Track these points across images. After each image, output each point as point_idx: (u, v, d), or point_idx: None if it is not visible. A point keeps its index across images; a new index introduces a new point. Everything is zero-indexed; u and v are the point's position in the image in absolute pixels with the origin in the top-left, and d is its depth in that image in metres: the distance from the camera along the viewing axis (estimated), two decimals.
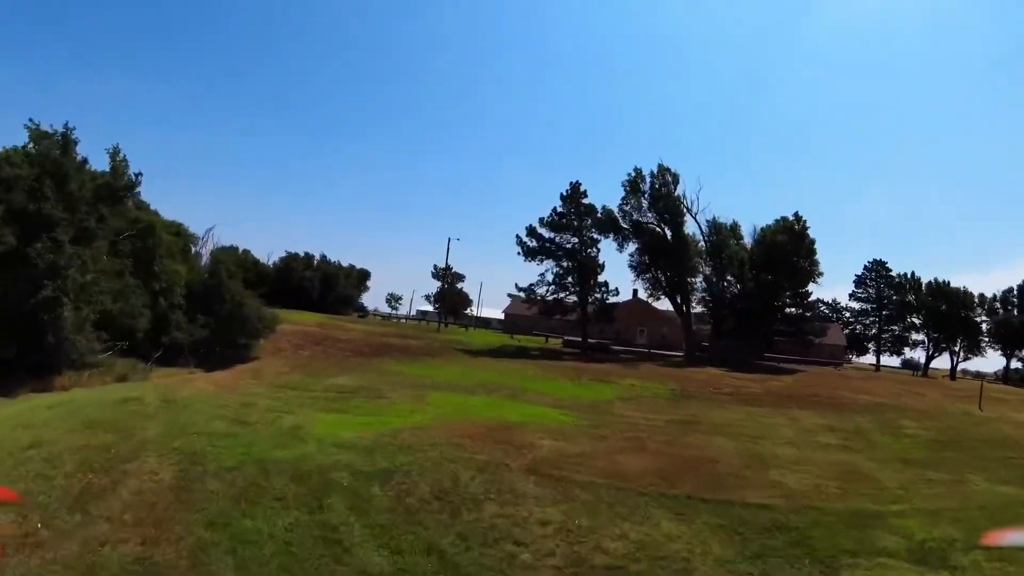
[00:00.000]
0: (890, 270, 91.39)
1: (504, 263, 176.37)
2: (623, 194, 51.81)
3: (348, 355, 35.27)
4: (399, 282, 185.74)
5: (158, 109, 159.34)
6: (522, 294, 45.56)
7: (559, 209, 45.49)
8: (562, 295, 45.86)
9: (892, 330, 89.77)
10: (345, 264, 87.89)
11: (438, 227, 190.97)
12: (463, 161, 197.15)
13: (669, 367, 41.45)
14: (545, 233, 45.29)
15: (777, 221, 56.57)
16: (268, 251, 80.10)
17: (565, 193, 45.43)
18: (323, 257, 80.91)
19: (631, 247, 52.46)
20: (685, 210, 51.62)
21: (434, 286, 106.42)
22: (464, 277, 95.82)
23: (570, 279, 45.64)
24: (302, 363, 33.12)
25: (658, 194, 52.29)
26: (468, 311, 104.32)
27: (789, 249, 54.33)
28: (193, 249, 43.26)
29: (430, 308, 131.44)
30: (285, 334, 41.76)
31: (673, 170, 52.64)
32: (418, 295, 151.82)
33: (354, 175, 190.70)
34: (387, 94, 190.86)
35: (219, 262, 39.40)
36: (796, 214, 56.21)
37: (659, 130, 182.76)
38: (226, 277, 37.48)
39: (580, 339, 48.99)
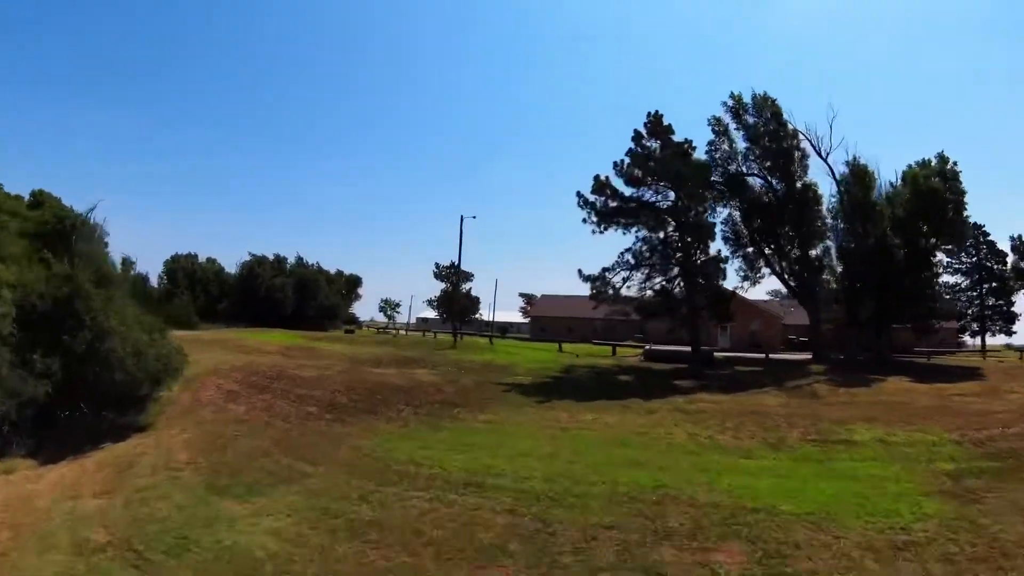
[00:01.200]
0: (988, 233, 75.73)
1: (507, 261, 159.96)
2: (710, 138, 35.56)
3: (311, 414, 18.85)
4: (396, 288, 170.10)
5: (126, 130, 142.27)
6: (587, 285, 29.22)
7: (638, 150, 29.11)
8: (657, 281, 29.28)
9: (1000, 305, 74.12)
10: (329, 269, 71.56)
11: (433, 223, 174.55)
12: (452, 154, 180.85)
13: (868, 385, 25.59)
14: (624, 187, 28.97)
15: (921, 163, 40.45)
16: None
17: (644, 128, 29.08)
18: (299, 260, 64.44)
19: (720, 212, 36.07)
20: (812, 150, 35.41)
21: (435, 289, 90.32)
22: (472, 276, 79.33)
23: (663, 256, 28.92)
24: (221, 439, 17.12)
25: (765, 132, 36.11)
26: (478, 315, 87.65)
27: (946, 200, 38.32)
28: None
29: (432, 314, 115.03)
30: (220, 372, 25.78)
31: (775, 100, 36.56)
32: (418, 300, 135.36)
33: (334, 179, 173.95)
34: (362, 91, 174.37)
35: (84, 259, 22.73)
36: (941, 154, 40.21)
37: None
38: (87, 286, 20.80)
39: (684, 348, 32.06)
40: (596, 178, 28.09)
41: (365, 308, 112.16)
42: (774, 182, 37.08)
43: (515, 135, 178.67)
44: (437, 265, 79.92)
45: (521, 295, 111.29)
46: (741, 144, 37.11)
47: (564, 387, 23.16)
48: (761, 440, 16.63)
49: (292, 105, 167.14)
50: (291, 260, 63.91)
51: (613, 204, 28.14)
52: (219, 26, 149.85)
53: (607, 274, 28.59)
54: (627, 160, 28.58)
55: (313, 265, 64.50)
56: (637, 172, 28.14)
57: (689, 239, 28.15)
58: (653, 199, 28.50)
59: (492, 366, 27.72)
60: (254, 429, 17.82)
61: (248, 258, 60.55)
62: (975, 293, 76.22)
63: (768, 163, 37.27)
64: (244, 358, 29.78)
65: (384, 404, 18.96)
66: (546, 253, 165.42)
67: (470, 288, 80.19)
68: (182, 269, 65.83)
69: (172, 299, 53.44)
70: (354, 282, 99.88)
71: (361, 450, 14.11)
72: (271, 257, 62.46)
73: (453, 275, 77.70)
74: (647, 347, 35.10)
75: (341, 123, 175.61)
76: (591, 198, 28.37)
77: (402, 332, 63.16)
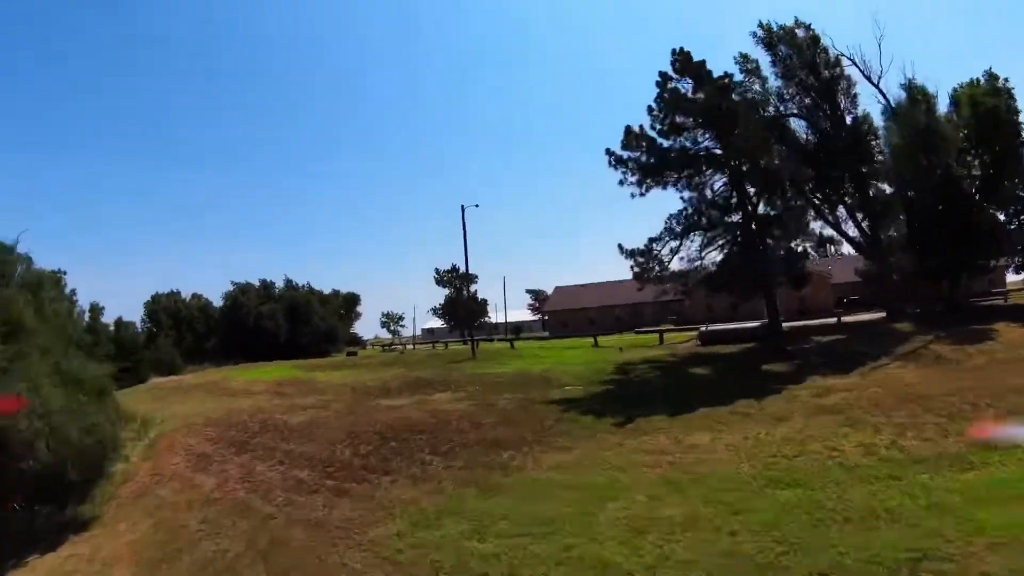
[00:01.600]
0: None
1: (508, 259, 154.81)
2: (740, 76, 30.04)
3: (302, 482, 13.34)
4: (397, 301, 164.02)
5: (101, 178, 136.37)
6: (631, 263, 23.71)
7: (667, 95, 23.59)
8: (719, 244, 23.53)
9: None
10: (322, 289, 66.06)
11: (427, 228, 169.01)
12: (439, 154, 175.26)
13: (992, 338, 20.42)
14: (659, 138, 23.20)
15: (970, 83, 35.18)
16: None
17: (672, 66, 23.50)
18: (288, 283, 58.94)
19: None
20: (860, 76, 30.11)
21: (438, 296, 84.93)
22: (476, 278, 73.96)
23: (723, 213, 23.31)
24: (177, 542, 11.77)
25: (803, 63, 30.78)
26: (487, 318, 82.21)
27: (1009, 122, 33.26)
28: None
29: (438, 323, 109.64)
30: (193, 428, 20.65)
31: (810, 24, 31.21)
32: (421, 311, 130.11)
33: (318, 195, 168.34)
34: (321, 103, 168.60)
35: None
36: (990, 72, 35.06)
37: None
38: None
39: (744, 325, 26.86)
40: (628, 130, 22.67)
41: (368, 326, 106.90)
42: (820, 120, 31.73)
43: (504, 128, 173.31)
44: (437, 271, 74.82)
45: (528, 292, 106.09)
46: (775, 83, 31.69)
47: (634, 395, 17.75)
48: (956, 436, 11.36)
49: (265, 126, 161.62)
50: (280, 284, 58.43)
51: (652, 159, 22.67)
52: (185, 44, 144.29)
53: (654, 246, 23.19)
54: (660, 106, 23.16)
55: (303, 287, 58.95)
56: (677, 118, 22.74)
57: (753, 190, 22.70)
58: (696, 149, 23.06)
59: (527, 377, 22.31)
60: (224, 516, 12.43)
61: (231, 288, 55.05)
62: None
63: (809, 99, 31.89)
64: (226, 404, 24.50)
65: (402, 456, 13.53)
66: (548, 247, 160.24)
67: (475, 291, 74.93)
68: (164, 309, 60.34)
69: (153, 343, 48.05)
70: (352, 300, 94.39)
71: (379, 553, 8.74)
72: (256, 283, 56.98)
73: (456, 279, 72.55)
74: (703, 328, 29.67)
75: (317, 135, 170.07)
76: (625, 154, 22.96)
77: (409, 347, 57.73)
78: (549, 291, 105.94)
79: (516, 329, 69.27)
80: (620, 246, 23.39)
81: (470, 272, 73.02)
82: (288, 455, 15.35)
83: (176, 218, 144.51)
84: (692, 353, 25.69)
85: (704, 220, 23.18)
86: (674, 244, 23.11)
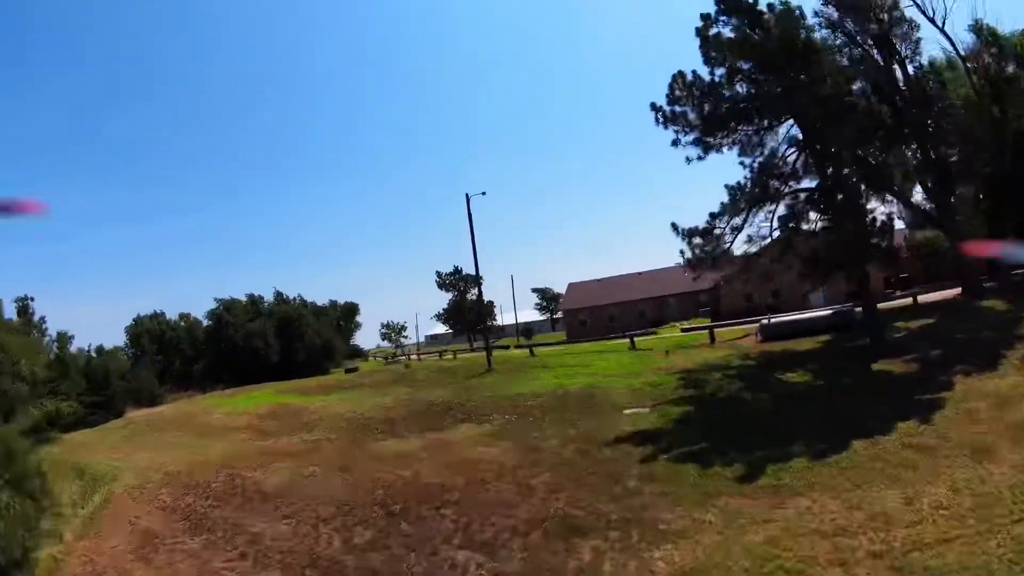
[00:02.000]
0: None
1: (510, 258, 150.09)
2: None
3: None
4: (399, 308, 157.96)
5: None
6: (684, 247, 18.79)
7: (713, 41, 18.70)
8: (797, 219, 18.58)
9: None
10: (316, 301, 61.38)
11: (424, 230, 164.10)
12: (432, 155, 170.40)
13: None
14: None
15: None
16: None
17: (716, 5, 18.68)
18: (278, 296, 54.12)
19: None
20: (923, 19, 25.52)
21: (442, 301, 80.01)
22: (482, 279, 69.01)
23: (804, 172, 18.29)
24: None
25: (854, 5, 26.15)
26: (494, 321, 76.80)
27: None
28: None
29: (442, 328, 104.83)
30: (146, 490, 16.05)
31: None
32: (424, 318, 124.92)
33: (309, 204, 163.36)
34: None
35: None
36: None
37: None
38: None
39: (807, 315, 22.26)
40: (676, 78, 17.79)
41: (369, 336, 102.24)
42: (879, 71, 27.04)
43: (503, 122, 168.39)
44: (439, 274, 69.80)
45: (535, 291, 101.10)
46: (821, 33, 26.98)
47: (729, 421, 13.11)
48: None
49: (252, 135, 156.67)
50: (269, 298, 53.60)
51: (715, 108, 17.78)
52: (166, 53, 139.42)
53: (716, 223, 18.32)
54: (709, 54, 18.33)
55: (295, 299, 54.19)
56: (734, 62, 17.92)
57: (832, 149, 17.65)
58: (761, 100, 18.17)
59: (569, 399, 17.61)
60: None
61: (215, 305, 50.26)
62: None
63: (862, 49, 27.27)
64: (193, 451, 19.79)
65: (419, 550, 8.84)
66: (549, 244, 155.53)
67: (479, 294, 69.81)
68: (147, 332, 55.64)
69: (132, 371, 43.34)
70: (351, 310, 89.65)
71: None
72: (243, 299, 52.14)
73: (460, 281, 67.78)
74: (765, 320, 24.96)
75: (305, 140, 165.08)
76: (672, 109, 18.08)
77: (414, 357, 52.95)
78: (556, 289, 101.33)
79: (527, 331, 64.60)
80: (674, 225, 18.57)
81: (478, 271, 68.27)
82: (255, 543, 10.70)
83: (163, 234, 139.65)
84: (762, 353, 21.02)
85: (777, 187, 18.42)
86: (738, 220, 18.38)
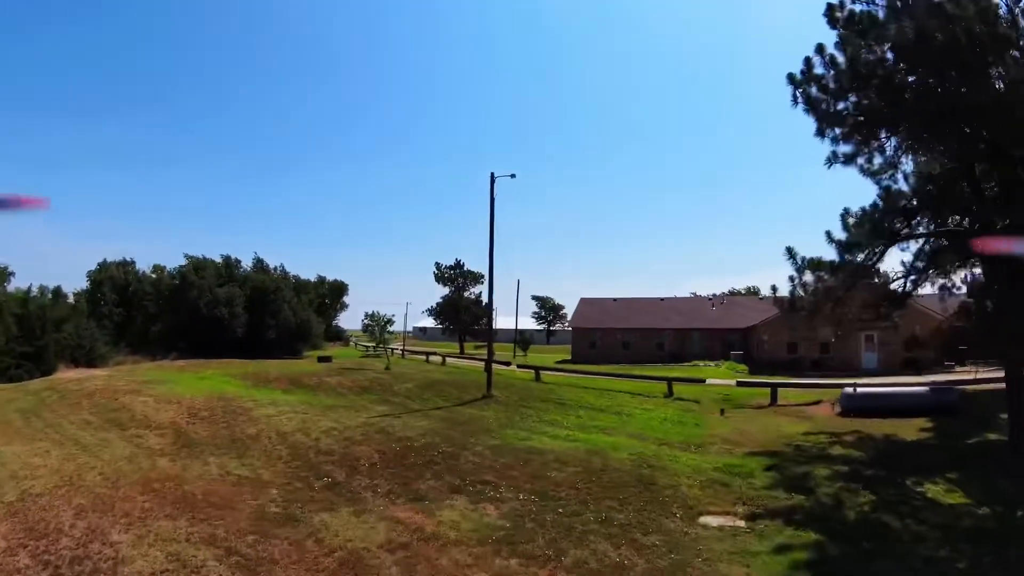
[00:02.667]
0: None
1: (516, 262, 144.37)
2: None
3: None
4: (389, 295, 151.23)
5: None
6: (794, 279, 13.52)
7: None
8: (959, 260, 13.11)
9: None
10: (299, 275, 55.66)
11: (429, 219, 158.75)
12: (442, 149, 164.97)
13: None
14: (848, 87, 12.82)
15: None
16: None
17: None
18: (257, 263, 48.37)
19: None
20: None
21: (436, 295, 74.31)
22: (482, 277, 63.48)
23: None
24: None
25: None
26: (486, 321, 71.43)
27: None
28: None
29: (430, 322, 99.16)
30: None
31: None
32: (414, 310, 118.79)
33: (323, 183, 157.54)
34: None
35: None
36: None
37: None
38: None
39: (920, 390, 16.88)
40: (819, 51, 12.22)
41: (355, 318, 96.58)
42: None
43: (517, 120, 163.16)
44: (438, 265, 64.15)
45: (535, 298, 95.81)
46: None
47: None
48: None
49: (268, 107, 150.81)
50: (247, 264, 47.75)
51: (882, 98, 12.29)
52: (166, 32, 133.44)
53: (849, 255, 12.85)
54: (846, 43, 12.85)
55: (276, 269, 48.37)
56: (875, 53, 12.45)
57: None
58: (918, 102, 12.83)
59: (616, 479, 12.03)
60: None
61: (184, 263, 44.46)
62: None
63: None
64: (77, 455, 14.23)
65: None
66: (556, 252, 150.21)
67: (479, 293, 64.52)
68: (111, 280, 49.51)
69: (66, 322, 37.34)
70: (338, 289, 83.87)
71: None
72: (219, 259, 46.23)
73: (460, 276, 62.25)
74: (849, 390, 19.49)
75: (318, 124, 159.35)
76: (816, 92, 12.65)
77: (398, 351, 47.21)
78: (557, 299, 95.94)
79: (524, 342, 58.97)
80: (790, 251, 13.14)
81: (472, 271, 62.75)
82: None
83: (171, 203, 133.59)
84: (857, 437, 15.60)
85: (956, 220, 13.03)
86: (878, 249, 12.95)
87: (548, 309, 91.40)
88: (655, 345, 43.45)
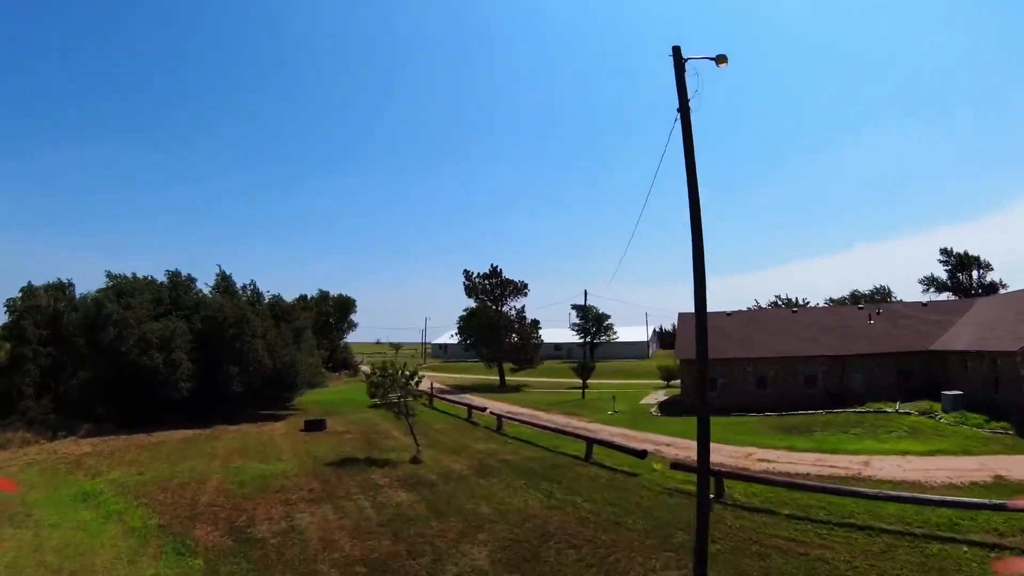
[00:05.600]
0: None
1: (546, 267, 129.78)
2: None
3: None
4: (402, 312, 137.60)
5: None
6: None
7: None
8: None
9: None
10: (280, 294, 41.53)
11: (448, 232, 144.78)
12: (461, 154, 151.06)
13: None
14: None
15: None
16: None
17: None
18: (223, 279, 34.10)
19: None
20: None
21: (459, 307, 59.54)
22: (527, 288, 49.08)
23: None
24: None
25: None
26: (535, 339, 55.98)
27: None
28: None
29: (449, 337, 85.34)
30: None
31: None
32: (434, 326, 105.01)
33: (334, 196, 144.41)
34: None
35: None
36: None
37: None
38: None
39: None
40: None
41: (365, 334, 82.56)
42: None
43: (535, 121, 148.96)
44: (467, 274, 49.75)
45: (574, 307, 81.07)
46: None
47: None
48: None
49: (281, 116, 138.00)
50: (203, 285, 33.49)
51: None
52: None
53: None
54: None
55: (247, 288, 34.09)
56: None
57: None
58: None
59: None
60: None
61: (106, 284, 30.64)
62: None
63: None
64: None
65: None
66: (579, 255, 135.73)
67: (523, 306, 49.91)
68: (39, 311, 35.44)
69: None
70: (344, 306, 70.13)
71: None
72: (162, 280, 32.12)
73: (497, 286, 48.05)
74: None
75: (335, 134, 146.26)
76: None
77: (424, 384, 32.67)
78: (600, 308, 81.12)
79: (583, 367, 44.17)
80: None
81: (512, 280, 48.41)
82: None
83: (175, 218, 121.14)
84: None
85: None
86: None
87: (591, 320, 76.24)
88: (802, 380, 29.04)
